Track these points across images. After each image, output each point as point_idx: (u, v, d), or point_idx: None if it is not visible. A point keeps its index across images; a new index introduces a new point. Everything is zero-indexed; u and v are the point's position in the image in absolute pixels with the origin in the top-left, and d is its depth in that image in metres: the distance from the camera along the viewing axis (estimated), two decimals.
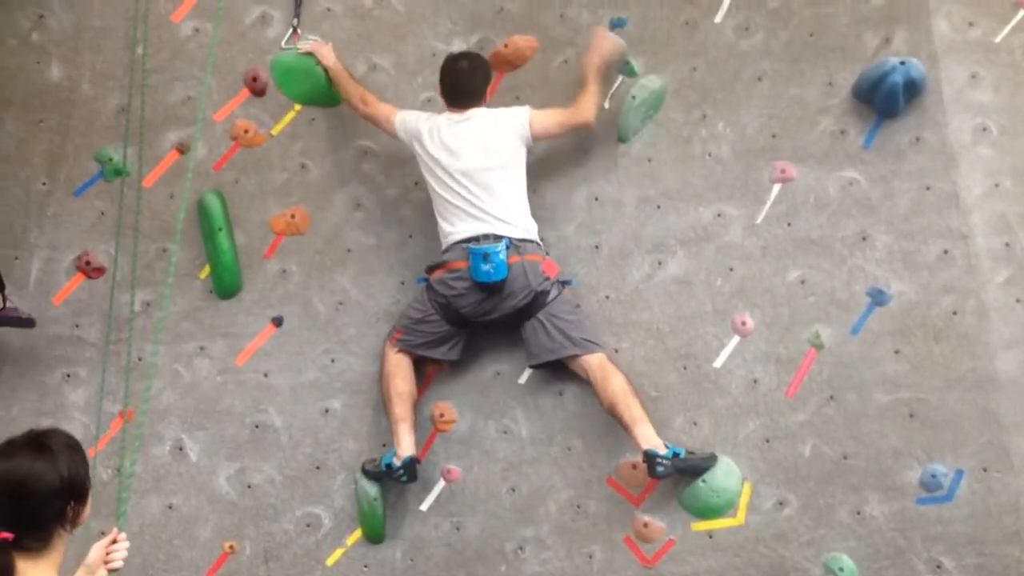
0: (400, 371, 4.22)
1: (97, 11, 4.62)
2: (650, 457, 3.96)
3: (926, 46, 4.39)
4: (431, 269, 4.25)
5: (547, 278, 4.16)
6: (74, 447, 2.34)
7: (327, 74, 4.51)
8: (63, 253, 4.47)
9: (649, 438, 3.99)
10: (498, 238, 4.08)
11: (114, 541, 2.62)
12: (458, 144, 4.16)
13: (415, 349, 4.25)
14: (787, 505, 4.15)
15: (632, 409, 4.04)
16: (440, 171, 4.17)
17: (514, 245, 4.10)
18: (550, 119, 4.25)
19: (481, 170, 4.13)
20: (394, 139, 4.37)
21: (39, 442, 2.28)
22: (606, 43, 4.39)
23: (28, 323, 4.26)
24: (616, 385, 4.08)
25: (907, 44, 4.40)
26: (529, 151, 4.28)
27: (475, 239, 4.10)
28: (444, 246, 4.21)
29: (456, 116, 4.24)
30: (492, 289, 4.09)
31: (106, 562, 2.61)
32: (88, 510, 2.37)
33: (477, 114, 4.24)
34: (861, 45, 4.44)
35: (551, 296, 4.17)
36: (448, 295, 4.14)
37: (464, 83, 4.26)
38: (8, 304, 4.21)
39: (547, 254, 4.26)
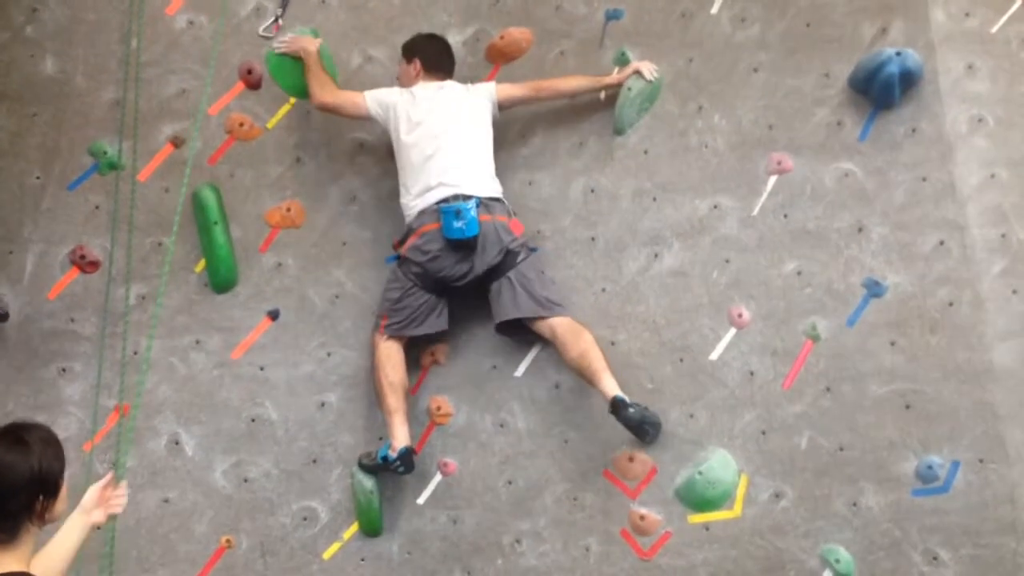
0: (391, 360, 4.22)
1: (91, 5, 4.60)
2: (620, 401, 4.00)
3: (923, 36, 4.38)
4: (400, 242, 4.28)
5: (515, 237, 4.22)
6: (50, 442, 2.35)
7: (304, 62, 4.47)
8: (57, 247, 4.45)
9: (615, 386, 4.05)
10: (467, 197, 4.12)
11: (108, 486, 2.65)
12: (432, 108, 4.26)
13: (404, 330, 4.24)
14: (783, 497, 4.15)
15: (599, 360, 4.11)
16: (414, 135, 4.22)
17: (484, 204, 4.15)
18: (516, 87, 4.42)
19: (455, 133, 4.22)
20: (364, 121, 4.39)
21: (15, 434, 2.30)
22: (638, 64, 4.47)
23: (4, 317, 4.28)
24: (587, 339, 4.15)
25: (904, 34, 4.39)
26: (494, 120, 4.37)
27: (445, 200, 4.12)
28: (412, 215, 4.22)
29: (432, 85, 4.35)
30: (465, 247, 4.13)
31: (106, 507, 2.65)
32: (62, 506, 2.38)
33: (449, 85, 4.38)
34: (858, 35, 4.44)
35: (520, 257, 4.22)
36: (422, 261, 4.16)
37: (449, 53, 4.47)
38: None
39: (513, 214, 4.29)
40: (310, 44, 4.49)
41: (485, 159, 4.30)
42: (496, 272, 4.20)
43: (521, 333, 4.31)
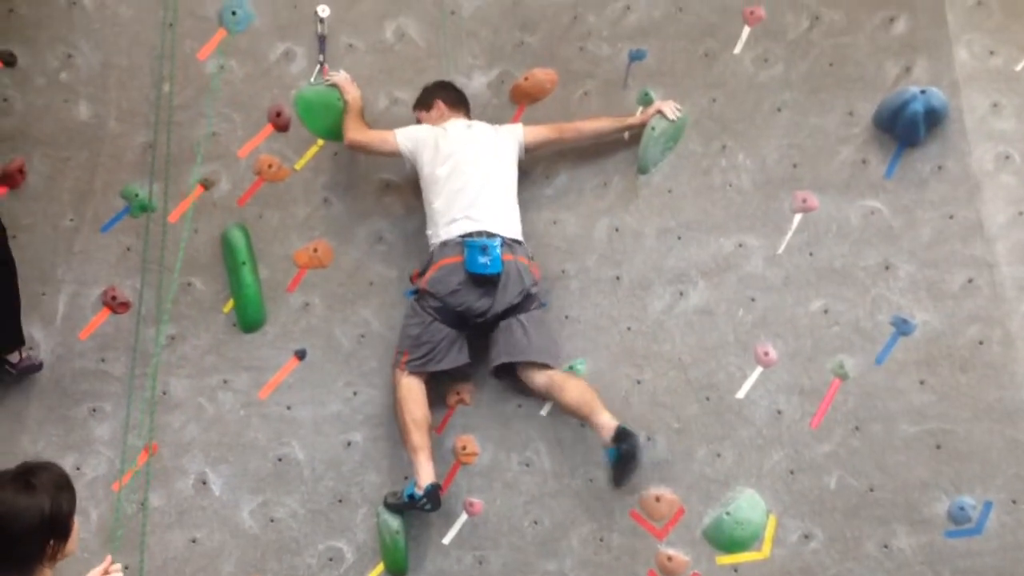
0: (413, 396, 4.21)
1: (124, 50, 4.70)
2: (623, 431, 4.00)
3: (947, 75, 4.39)
4: (421, 272, 4.29)
5: (535, 280, 4.25)
6: (62, 485, 2.35)
7: (344, 107, 4.56)
8: (89, 288, 4.51)
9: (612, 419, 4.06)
10: (491, 235, 4.15)
11: (107, 572, 2.63)
12: (463, 142, 4.31)
13: (426, 367, 4.23)
14: (813, 538, 4.10)
15: (596, 400, 4.12)
16: (444, 168, 4.25)
17: (507, 244, 4.18)
18: (541, 129, 4.46)
19: (484, 169, 4.26)
20: (391, 158, 4.43)
21: (25, 478, 2.30)
22: (661, 104, 4.50)
23: (39, 367, 4.36)
24: (580, 382, 4.19)
25: (928, 73, 4.40)
26: (521, 161, 4.41)
27: (470, 235, 4.16)
28: (435, 244, 4.25)
29: (461, 122, 4.41)
30: (486, 283, 4.14)
31: None
32: (73, 546, 2.38)
33: (478, 123, 4.44)
34: (881, 74, 4.45)
35: (534, 304, 4.24)
36: (443, 294, 4.16)
37: (463, 93, 4.56)
38: (24, 356, 4.31)
39: (533, 258, 4.32)
40: (356, 91, 4.57)
41: (511, 200, 4.34)
42: (509, 312, 4.20)
43: (510, 378, 4.31)
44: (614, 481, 4.18)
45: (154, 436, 4.33)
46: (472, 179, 4.24)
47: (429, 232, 4.32)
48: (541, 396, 4.25)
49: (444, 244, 4.21)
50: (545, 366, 4.20)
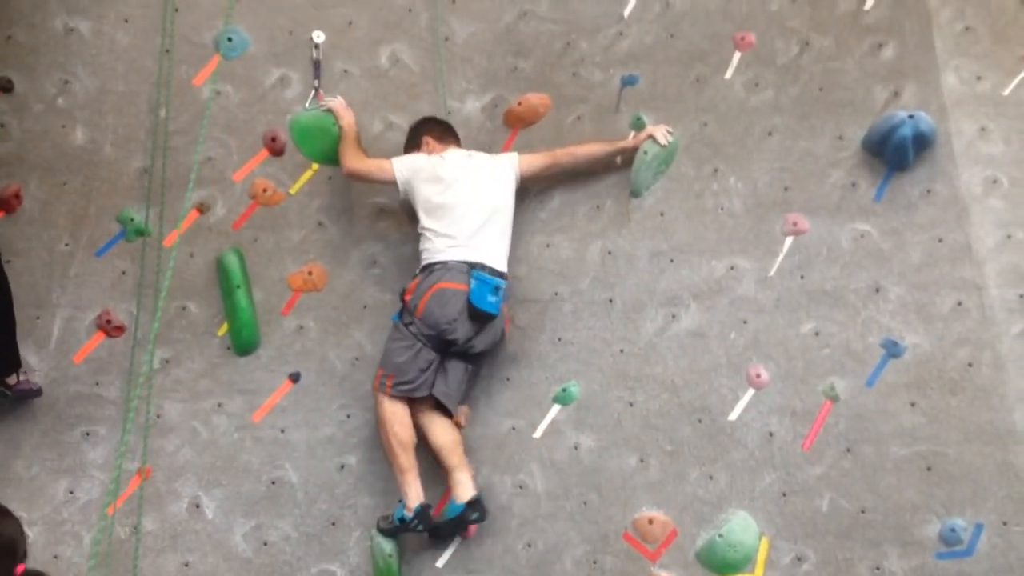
0: (398, 418, 4.20)
1: (121, 76, 4.74)
2: (478, 502, 4.11)
3: (935, 100, 4.44)
4: (415, 293, 4.22)
5: (503, 335, 4.36)
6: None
7: (340, 132, 4.60)
8: (84, 312, 4.53)
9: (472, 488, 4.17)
10: (492, 273, 4.19)
11: None
12: (463, 169, 4.33)
13: (414, 392, 4.21)
14: (805, 560, 4.11)
15: (463, 457, 4.22)
16: (444, 195, 4.27)
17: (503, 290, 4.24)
18: (536, 157, 4.49)
19: (484, 198, 4.29)
20: (386, 185, 4.45)
21: None
22: (653, 129, 4.53)
23: (38, 393, 4.36)
24: (457, 435, 4.26)
25: (916, 98, 4.45)
26: (517, 191, 4.44)
27: (475, 265, 4.18)
28: (433, 260, 4.23)
29: (460, 152, 4.44)
30: (481, 320, 4.18)
31: None
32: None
33: (476, 154, 4.46)
34: (871, 99, 4.50)
35: (489, 355, 4.35)
36: (440, 320, 4.14)
37: (445, 125, 4.57)
38: (21, 379, 4.31)
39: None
40: (351, 116, 4.61)
41: (507, 231, 4.36)
42: (472, 354, 4.27)
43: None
44: (433, 534, 4.21)
45: (148, 460, 4.33)
46: (472, 208, 4.25)
47: (425, 248, 4.29)
48: (418, 426, 4.26)
49: (446, 266, 4.19)
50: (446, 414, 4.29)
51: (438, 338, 4.19)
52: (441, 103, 4.75)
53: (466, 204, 4.26)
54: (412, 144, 4.53)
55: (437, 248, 4.23)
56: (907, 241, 4.34)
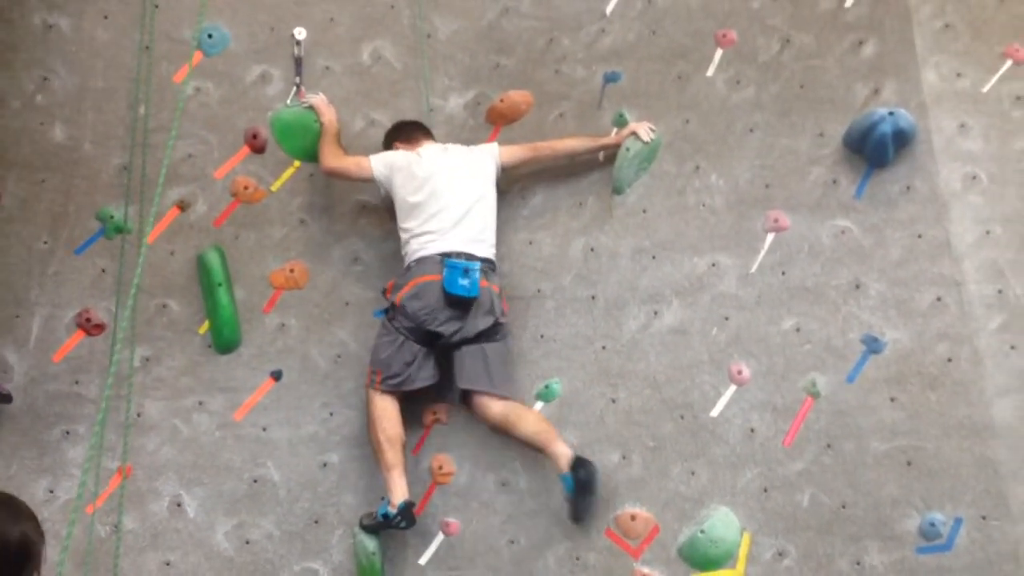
0: (387, 415, 4.21)
1: (100, 73, 4.71)
2: (580, 459, 4.04)
3: (915, 96, 4.46)
4: (395, 288, 4.25)
5: (504, 312, 4.28)
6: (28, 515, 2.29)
7: (321, 129, 4.59)
8: (64, 311, 4.50)
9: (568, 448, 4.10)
10: (469, 258, 4.17)
11: None
12: (439, 165, 4.32)
13: (400, 386, 4.23)
14: (787, 555, 4.13)
15: (552, 430, 4.15)
16: (421, 193, 4.27)
17: (483, 269, 4.19)
18: (517, 148, 4.48)
19: (461, 190, 4.27)
20: (366, 183, 4.46)
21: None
22: (636, 126, 4.54)
23: (8, 399, 4.32)
24: (536, 413, 4.24)
25: (896, 95, 4.48)
26: (498, 181, 4.43)
27: (448, 254, 4.17)
28: (412, 259, 4.25)
29: (436, 146, 4.43)
30: (461, 306, 4.15)
31: None
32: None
33: (453, 147, 4.45)
34: (851, 96, 4.52)
35: (500, 334, 4.26)
36: (418, 311, 4.16)
37: (410, 125, 4.54)
38: None
39: (502, 289, 4.33)
40: (333, 113, 4.61)
41: (489, 219, 4.36)
42: (477, 338, 4.21)
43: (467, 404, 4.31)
44: (572, 515, 4.14)
45: (128, 458, 4.31)
46: (449, 202, 4.26)
47: (404, 250, 4.33)
48: (493, 427, 4.22)
49: (421, 260, 4.21)
50: (502, 397, 4.21)
51: (419, 330, 4.19)
52: (424, 100, 4.74)
53: (443, 200, 4.26)
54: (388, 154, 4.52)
55: (414, 248, 4.26)
56: (887, 237, 4.36)
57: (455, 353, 4.25)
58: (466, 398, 4.28)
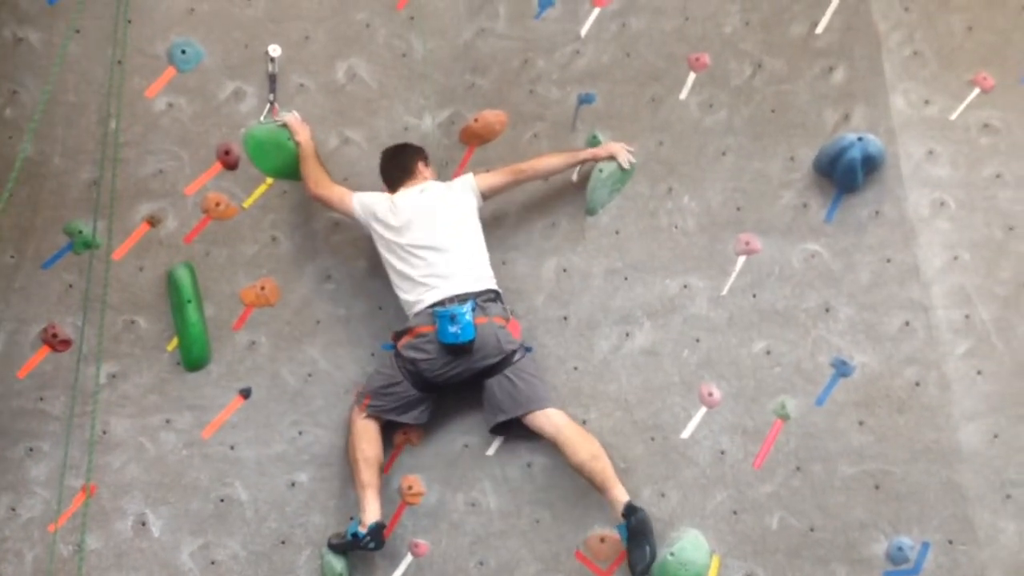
0: (368, 436, 4.22)
1: (71, 87, 4.67)
2: (631, 506, 3.98)
3: (884, 122, 4.51)
4: (398, 336, 4.30)
5: (513, 340, 4.23)
6: None
7: (298, 149, 4.59)
8: (29, 326, 4.44)
9: (625, 492, 4.05)
10: (463, 299, 4.14)
11: None
12: (415, 210, 4.29)
13: (386, 414, 4.25)
14: None
15: (609, 468, 4.08)
16: (399, 244, 4.26)
17: (479, 306, 4.16)
18: (495, 175, 4.44)
19: (441, 236, 4.24)
20: (348, 218, 4.46)
21: None
22: (615, 149, 4.54)
23: None
24: (591, 443, 4.13)
25: (866, 121, 4.52)
26: (480, 210, 4.40)
27: (440, 303, 4.15)
28: (409, 314, 4.27)
29: (412, 189, 4.39)
30: (460, 351, 4.14)
31: None
32: None
33: (430, 186, 4.41)
34: (821, 121, 4.56)
35: (517, 356, 4.22)
36: (417, 359, 4.17)
37: (388, 166, 4.48)
38: None
39: (511, 313, 4.32)
40: (307, 131, 4.60)
41: (477, 253, 4.31)
42: (492, 371, 4.20)
43: (516, 429, 4.28)
44: (631, 566, 4.00)
45: (93, 476, 4.25)
46: (432, 246, 4.23)
47: (401, 303, 4.31)
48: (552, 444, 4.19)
49: (418, 314, 4.22)
50: (543, 409, 4.18)
51: (420, 375, 4.19)
52: (398, 120, 4.74)
53: (425, 244, 4.23)
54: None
55: (408, 301, 4.26)
56: (856, 262, 4.40)
57: (485, 382, 4.22)
58: (504, 428, 4.26)
